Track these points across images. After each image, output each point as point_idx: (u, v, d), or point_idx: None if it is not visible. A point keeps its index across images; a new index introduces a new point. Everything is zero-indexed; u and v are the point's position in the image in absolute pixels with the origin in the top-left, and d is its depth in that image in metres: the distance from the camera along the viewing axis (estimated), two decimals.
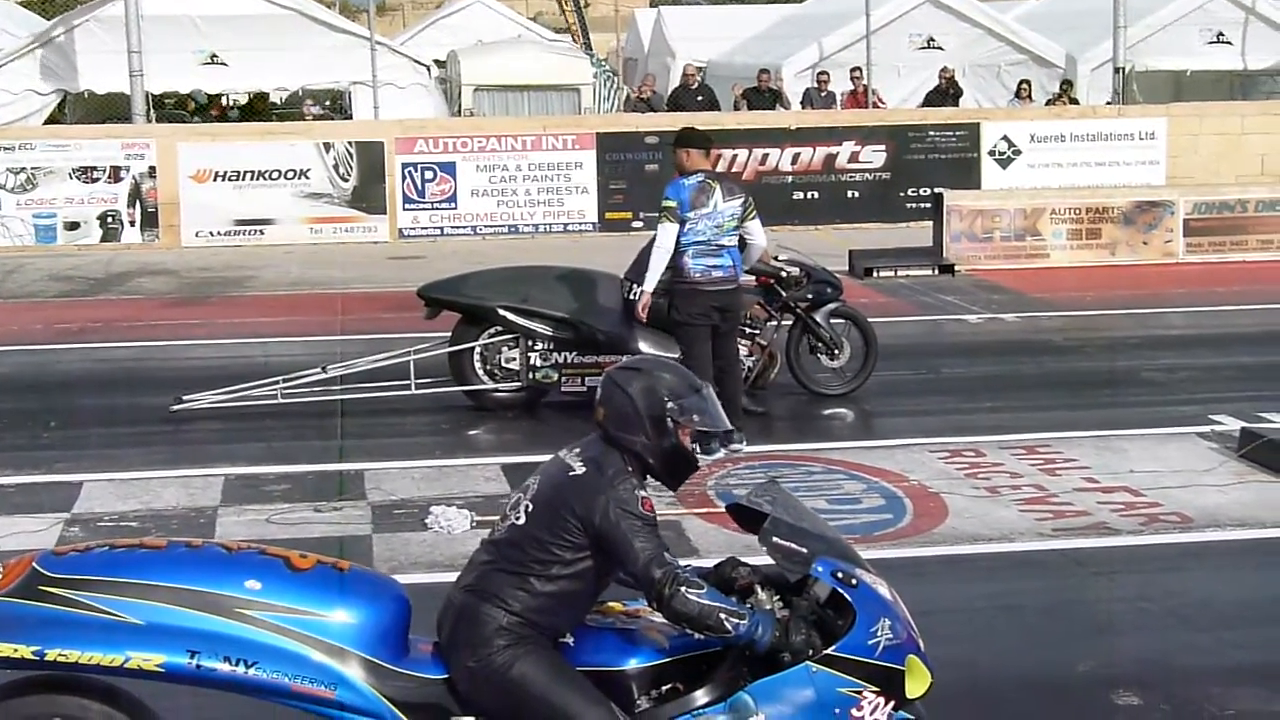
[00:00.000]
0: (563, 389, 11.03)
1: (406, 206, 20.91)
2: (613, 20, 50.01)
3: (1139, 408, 11.07)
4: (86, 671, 4.35)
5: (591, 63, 28.19)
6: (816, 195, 21.48)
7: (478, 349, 11.05)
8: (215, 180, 20.50)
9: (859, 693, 4.45)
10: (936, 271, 17.73)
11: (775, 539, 4.61)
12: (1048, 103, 25.57)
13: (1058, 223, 18.73)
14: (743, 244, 10.14)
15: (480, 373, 11.08)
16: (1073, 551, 7.93)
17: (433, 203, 20.97)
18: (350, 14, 45.29)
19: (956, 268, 18.10)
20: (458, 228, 20.98)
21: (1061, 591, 7.44)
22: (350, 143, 20.91)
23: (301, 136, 21.25)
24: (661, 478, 4.74)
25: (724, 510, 8.40)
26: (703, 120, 22.21)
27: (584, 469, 4.56)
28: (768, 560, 4.68)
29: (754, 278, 11.18)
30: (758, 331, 11.23)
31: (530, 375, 11.00)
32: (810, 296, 11.24)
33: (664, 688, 4.56)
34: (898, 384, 11.87)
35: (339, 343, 13.21)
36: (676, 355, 10.91)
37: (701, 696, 4.50)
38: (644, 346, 11.00)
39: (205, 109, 27.19)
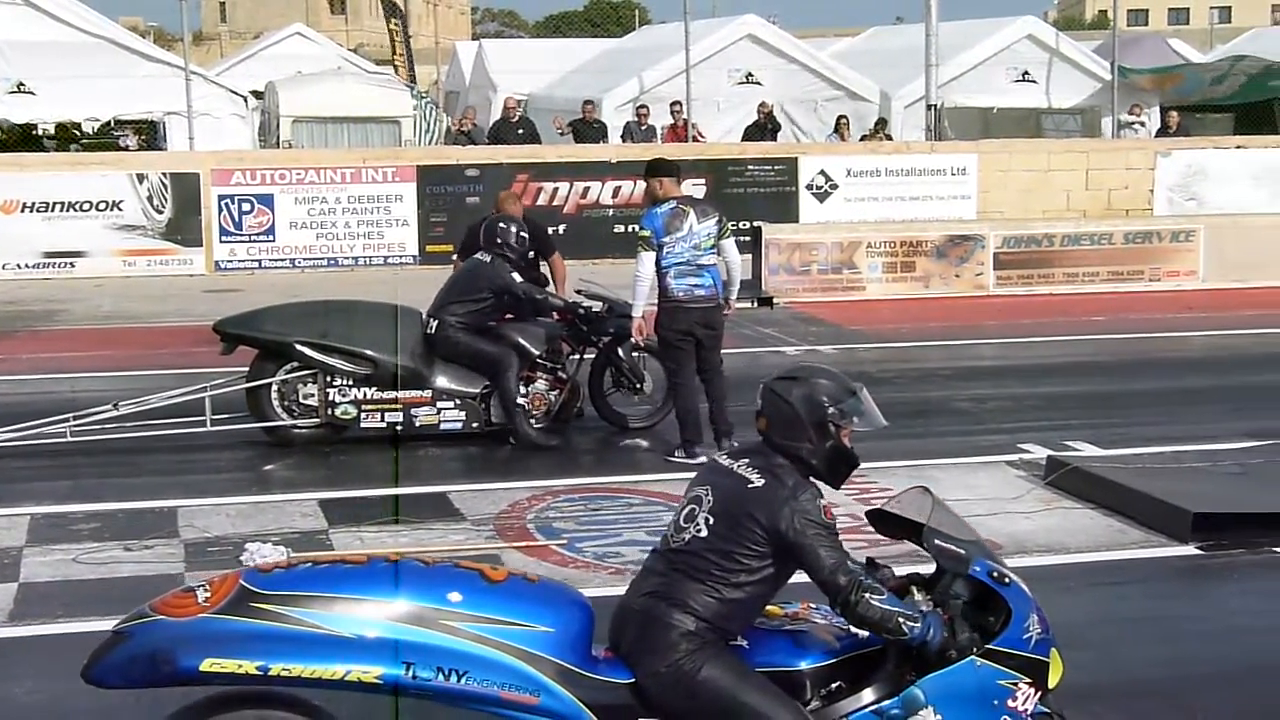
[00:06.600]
0: (362, 425, 10.91)
1: (223, 239, 20.60)
2: (434, 53, 49.85)
3: (950, 437, 11.29)
4: (308, 686, 4.45)
5: (412, 95, 28.05)
6: (638, 229, 21.51)
7: (275, 385, 10.88)
8: (23, 211, 20.03)
9: (1015, 684, 4.76)
10: (755, 304, 17.94)
11: (937, 540, 4.88)
12: (863, 138, 26.06)
13: (873, 256, 19.09)
14: None
15: (278, 409, 10.90)
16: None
17: (250, 235, 20.68)
18: (165, 43, 44.57)
19: (775, 300, 18.35)
20: (276, 260, 20.73)
21: None
22: (165, 174, 20.56)
23: (114, 167, 20.84)
24: (824, 478, 4.92)
25: (543, 545, 8.43)
26: (523, 153, 22.37)
27: (763, 480, 4.75)
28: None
29: (556, 314, 11.25)
30: (559, 366, 11.25)
31: (329, 411, 10.85)
32: (612, 330, 11.28)
33: (832, 686, 4.78)
34: None
35: (147, 378, 12.91)
36: (477, 389, 10.91)
37: (870, 694, 4.75)
38: (443, 382, 10.95)
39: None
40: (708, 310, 10.34)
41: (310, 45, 39.09)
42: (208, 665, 4.37)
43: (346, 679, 4.41)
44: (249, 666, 4.37)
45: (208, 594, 4.51)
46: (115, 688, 4.53)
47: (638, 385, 11.47)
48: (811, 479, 4.84)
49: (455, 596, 4.54)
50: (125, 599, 7.46)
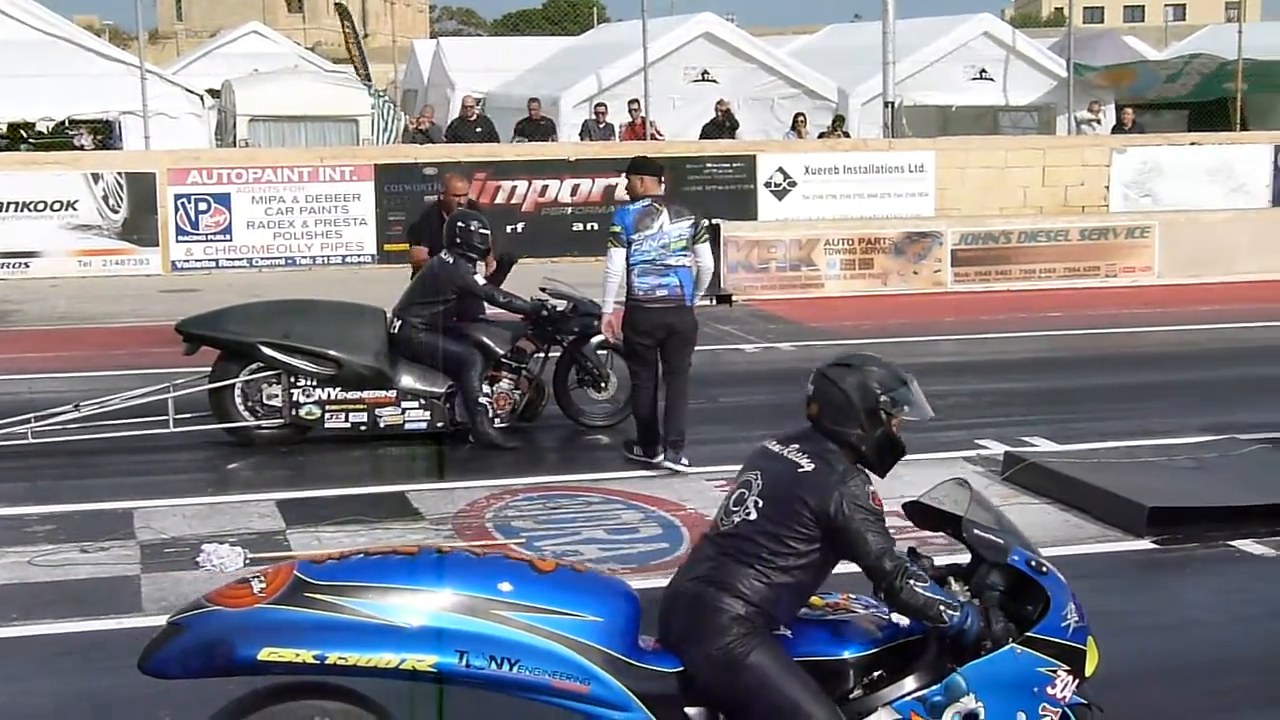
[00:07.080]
0: (326, 425, 10.88)
1: (180, 239, 20.49)
2: (391, 51, 49.69)
3: (910, 433, 11.14)
4: (363, 675, 4.50)
5: (370, 93, 27.99)
6: (596, 226, 21.49)
7: (239, 385, 10.83)
8: None
9: (1054, 671, 4.88)
10: (714, 302, 17.92)
11: (976, 531, 5.00)
12: (821, 136, 26.11)
13: (832, 253, 19.15)
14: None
15: (242, 409, 10.84)
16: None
17: (207, 235, 20.58)
18: (121, 42, 44.31)
19: (734, 298, 18.37)
20: (233, 260, 20.64)
21: None
22: (120, 173, 20.43)
23: (69, 167, 20.68)
24: (872, 465, 5.01)
25: (501, 544, 8.42)
26: (481, 152, 22.35)
27: (813, 465, 4.82)
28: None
29: (520, 315, 11.25)
30: (524, 365, 11.25)
31: (293, 412, 10.81)
32: (576, 329, 11.29)
33: (874, 675, 4.88)
34: None
35: (105, 379, 12.84)
36: (442, 389, 10.89)
37: (912, 681, 4.85)
38: (408, 381, 10.92)
39: None
40: (668, 311, 10.19)
41: (267, 44, 38.96)
42: (265, 654, 4.42)
43: (401, 668, 4.46)
44: (306, 655, 4.42)
45: (263, 584, 4.55)
46: (173, 678, 4.57)
47: (601, 384, 11.48)
48: (859, 466, 4.91)
49: (506, 586, 4.59)
50: (81, 601, 7.46)
